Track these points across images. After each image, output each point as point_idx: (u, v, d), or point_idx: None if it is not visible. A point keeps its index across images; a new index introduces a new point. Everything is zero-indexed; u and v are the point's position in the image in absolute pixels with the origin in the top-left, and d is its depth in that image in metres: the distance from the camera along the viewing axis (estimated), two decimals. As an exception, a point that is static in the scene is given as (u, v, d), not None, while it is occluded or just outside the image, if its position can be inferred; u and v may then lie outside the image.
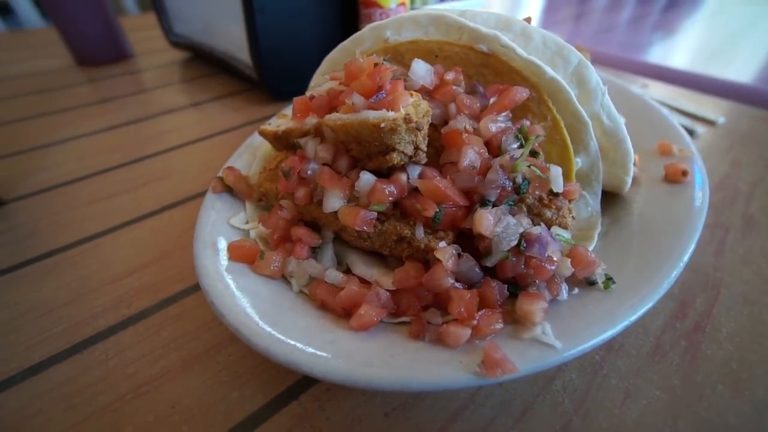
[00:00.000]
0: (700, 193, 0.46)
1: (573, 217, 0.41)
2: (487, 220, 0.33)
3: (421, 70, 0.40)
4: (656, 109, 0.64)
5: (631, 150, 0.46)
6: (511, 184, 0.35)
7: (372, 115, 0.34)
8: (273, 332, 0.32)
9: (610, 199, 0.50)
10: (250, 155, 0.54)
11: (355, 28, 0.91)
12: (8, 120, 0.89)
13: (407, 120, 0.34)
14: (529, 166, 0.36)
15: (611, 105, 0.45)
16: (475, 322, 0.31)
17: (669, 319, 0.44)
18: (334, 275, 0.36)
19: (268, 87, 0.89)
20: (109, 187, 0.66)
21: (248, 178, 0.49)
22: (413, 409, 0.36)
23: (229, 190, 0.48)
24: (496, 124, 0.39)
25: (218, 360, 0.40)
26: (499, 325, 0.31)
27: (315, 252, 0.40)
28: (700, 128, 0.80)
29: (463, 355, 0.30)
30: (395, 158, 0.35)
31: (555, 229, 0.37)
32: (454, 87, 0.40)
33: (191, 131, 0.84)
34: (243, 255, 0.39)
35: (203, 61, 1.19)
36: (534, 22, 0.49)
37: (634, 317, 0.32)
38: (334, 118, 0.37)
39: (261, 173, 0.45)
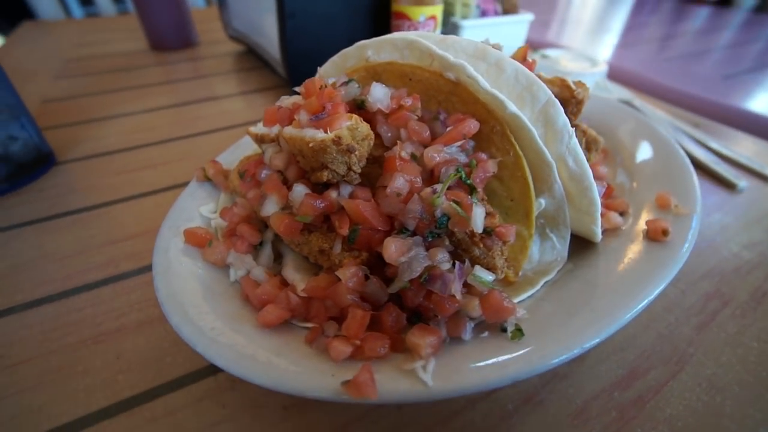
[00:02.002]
0: (676, 257, 0.42)
1: (505, 259, 0.41)
2: (390, 248, 0.34)
3: (379, 94, 0.42)
4: (676, 154, 0.59)
5: (597, 199, 0.44)
6: (428, 217, 0.36)
7: (308, 134, 0.37)
8: (188, 311, 0.36)
9: (584, 246, 0.48)
10: (242, 152, 0.60)
11: (384, 32, 0.94)
12: (83, 93, 1.06)
13: (336, 141, 0.36)
14: (455, 202, 0.36)
15: (579, 149, 0.43)
16: (358, 342, 0.33)
17: (609, 385, 0.41)
18: (258, 272, 0.40)
19: (294, 86, 0.95)
20: (138, 162, 0.76)
21: (228, 172, 0.54)
22: (312, 410, 0.38)
23: (210, 180, 0.53)
24: (440, 154, 0.40)
25: (166, 328, 0.45)
26: (383, 350, 0.33)
27: (257, 249, 0.44)
28: (745, 181, 0.71)
29: (339, 370, 0.32)
30: (326, 175, 0.38)
31: (477, 269, 0.37)
32: (410, 113, 0.42)
33: (235, 117, 0.93)
34: (196, 240, 0.44)
35: (254, 55, 1.30)
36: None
37: (523, 376, 0.31)
38: (288, 130, 0.41)
39: (234, 170, 0.50)
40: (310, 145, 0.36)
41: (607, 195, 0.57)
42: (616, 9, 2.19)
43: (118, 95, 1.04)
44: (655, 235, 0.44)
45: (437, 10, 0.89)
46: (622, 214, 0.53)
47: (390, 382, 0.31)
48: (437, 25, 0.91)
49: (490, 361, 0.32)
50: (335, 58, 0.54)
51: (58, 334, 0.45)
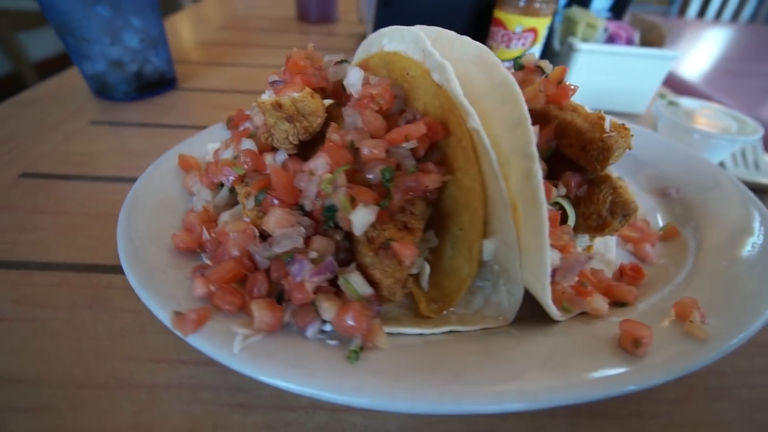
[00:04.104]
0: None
1: (401, 282, 0.36)
2: (272, 216, 0.34)
3: (353, 78, 0.42)
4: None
5: (547, 262, 0.35)
6: (320, 201, 0.35)
7: (262, 96, 0.39)
8: (137, 214, 0.44)
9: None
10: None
11: (484, 40, 0.89)
12: (227, 42, 1.30)
13: (275, 106, 0.37)
14: (351, 197, 0.34)
15: (541, 190, 0.35)
16: (213, 288, 0.35)
17: None
18: (203, 206, 0.45)
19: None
20: (233, 103, 0.91)
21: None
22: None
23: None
24: (376, 149, 0.37)
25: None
26: (229, 307, 0.34)
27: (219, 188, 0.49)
28: None
29: (189, 304, 0.35)
30: (266, 137, 0.40)
31: (353, 275, 0.35)
32: (373, 103, 0.40)
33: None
34: (184, 164, 0.52)
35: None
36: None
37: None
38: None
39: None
40: (254, 104, 0.38)
41: (629, 275, 0.45)
42: None
43: (249, 50, 1.25)
44: (625, 343, 0.34)
45: (540, 24, 0.79)
46: (622, 303, 0.42)
47: (215, 336, 0.32)
48: (537, 39, 0.82)
49: (284, 357, 0.31)
50: (364, 42, 0.55)
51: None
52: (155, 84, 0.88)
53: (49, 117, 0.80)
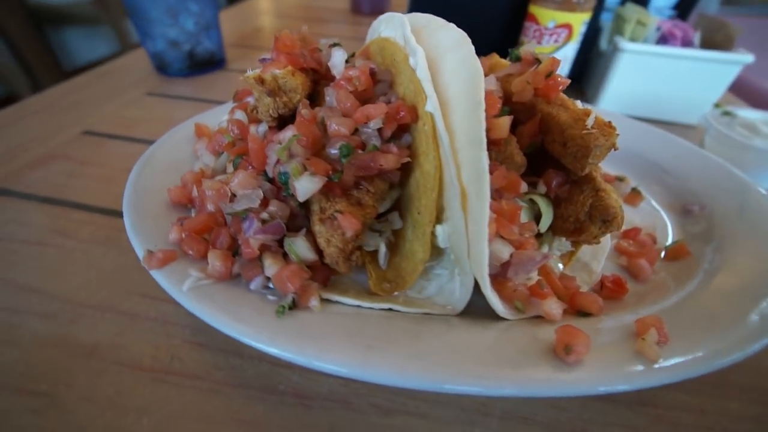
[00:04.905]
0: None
1: (345, 252, 0.38)
2: (235, 178, 0.38)
3: (335, 60, 0.44)
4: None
5: (485, 252, 0.34)
6: (278, 169, 0.37)
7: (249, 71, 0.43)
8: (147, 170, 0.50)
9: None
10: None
11: (517, 35, 0.86)
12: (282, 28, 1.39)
13: (258, 81, 0.41)
14: (304, 167, 0.36)
15: (486, 184, 0.34)
16: (184, 235, 0.40)
17: None
18: (201, 166, 0.51)
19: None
20: None
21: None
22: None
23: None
24: (342, 127, 0.39)
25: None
26: (191, 252, 0.39)
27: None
28: None
29: (162, 246, 0.40)
30: (251, 109, 0.44)
31: (297, 240, 0.37)
32: (348, 84, 0.42)
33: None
34: (199, 132, 0.58)
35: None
36: None
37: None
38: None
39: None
40: (241, 77, 0.42)
41: (609, 288, 0.42)
42: None
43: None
44: (558, 348, 0.32)
45: (575, 20, 0.74)
46: (585, 312, 0.39)
47: (173, 274, 0.37)
48: (572, 36, 0.77)
49: (222, 302, 0.34)
50: (370, 29, 0.56)
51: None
52: (205, 63, 0.98)
53: (115, 87, 0.93)
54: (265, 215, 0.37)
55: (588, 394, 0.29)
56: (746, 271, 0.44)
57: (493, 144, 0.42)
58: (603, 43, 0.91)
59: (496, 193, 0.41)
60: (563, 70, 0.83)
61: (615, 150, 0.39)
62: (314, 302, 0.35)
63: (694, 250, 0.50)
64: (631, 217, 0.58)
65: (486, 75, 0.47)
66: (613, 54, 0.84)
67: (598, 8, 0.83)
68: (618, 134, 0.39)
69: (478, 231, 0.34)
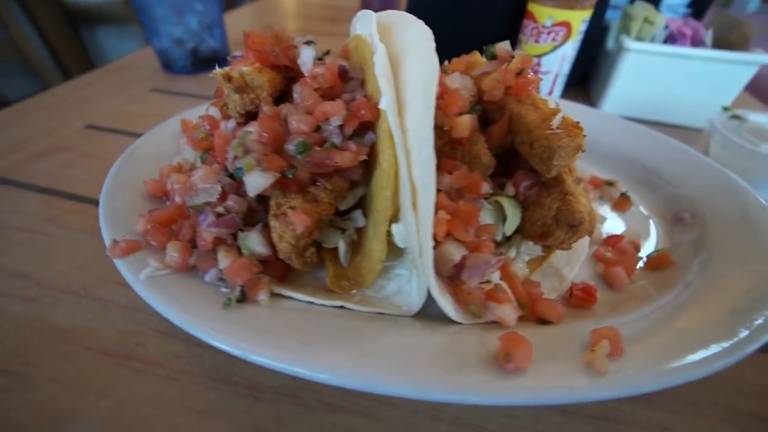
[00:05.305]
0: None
1: (296, 248, 0.38)
2: (197, 173, 0.39)
3: (304, 57, 0.44)
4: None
5: (429, 252, 0.34)
6: (236, 165, 0.38)
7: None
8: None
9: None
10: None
11: (516, 33, 0.84)
12: (291, 28, 1.41)
13: (225, 77, 0.42)
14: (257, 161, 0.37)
15: (432, 177, 0.34)
16: (149, 226, 0.41)
17: None
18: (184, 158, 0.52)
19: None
20: None
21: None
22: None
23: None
24: (302, 124, 0.40)
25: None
26: (153, 242, 0.40)
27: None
28: None
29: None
30: (222, 106, 0.45)
31: (250, 234, 0.38)
32: (313, 81, 0.42)
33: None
34: (186, 126, 0.59)
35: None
36: None
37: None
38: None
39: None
40: (210, 75, 0.43)
41: (578, 296, 0.41)
42: None
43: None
44: (498, 355, 0.32)
45: (574, 17, 0.71)
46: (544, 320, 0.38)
47: (133, 264, 0.38)
48: (571, 35, 0.74)
49: (174, 292, 0.35)
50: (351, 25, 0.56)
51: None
52: (209, 60, 1.00)
53: (121, 83, 0.97)
54: (220, 209, 0.37)
55: (525, 404, 0.28)
56: (730, 285, 0.41)
57: (457, 143, 0.42)
58: (610, 43, 0.88)
59: (457, 194, 0.40)
60: (563, 69, 0.80)
61: (582, 152, 0.38)
62: (263, 296, 0.36)
63: (680, 260, 0.48)
64: (618, 223, 0.56)
65: (464, 72, 0.47)
66: (618, 54, 0.80)
67: (603, 6, 0.80)
68: (585, 135, 0.37)
69: (423, 231, 0.33)
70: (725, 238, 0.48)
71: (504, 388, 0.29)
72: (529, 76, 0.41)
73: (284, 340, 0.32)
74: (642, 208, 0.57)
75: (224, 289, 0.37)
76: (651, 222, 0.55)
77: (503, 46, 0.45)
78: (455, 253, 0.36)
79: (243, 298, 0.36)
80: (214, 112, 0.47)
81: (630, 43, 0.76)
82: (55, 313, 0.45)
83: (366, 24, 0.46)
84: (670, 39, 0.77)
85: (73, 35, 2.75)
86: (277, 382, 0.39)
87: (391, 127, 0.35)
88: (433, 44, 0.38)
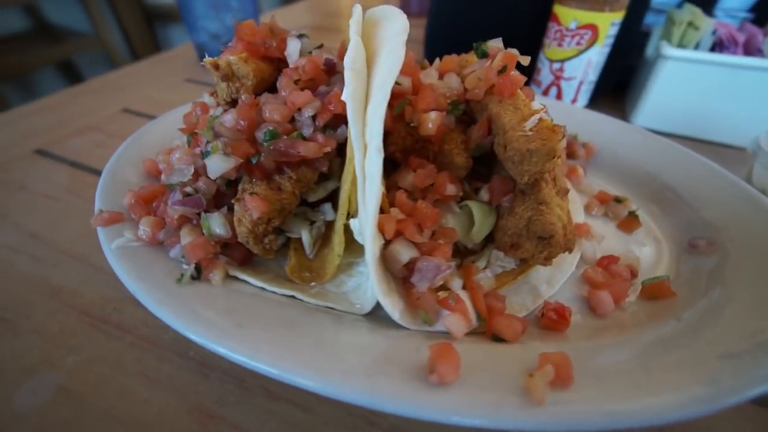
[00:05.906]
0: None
1: (254, 234, 0.38)
2: (174, 154, 0.41)
3: (290, 49, 0.45)
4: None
5: (370, 249, 0.33)
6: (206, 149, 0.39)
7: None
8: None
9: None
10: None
11: (541, 36, 0.80)
12: (330, 27, 1.45)
13: (213, 65, 0.44)
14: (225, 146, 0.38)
15: (377, 167, 0.32)
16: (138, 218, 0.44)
17: None
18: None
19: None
20: None
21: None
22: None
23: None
24: (276, 113, 0.40)
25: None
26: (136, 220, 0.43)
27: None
28: None
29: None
30: (212, 93, 0.47)
31: (213, 217, 0.39)
32: (294, 73, 0.43)
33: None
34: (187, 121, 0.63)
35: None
36: None
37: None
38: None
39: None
40: (200, 64, 0.45)
41: (548, 318, 0.38)
42: None
43: (343, 35, 1.37)
44: (427, 366, 0.30)
45: (602, 20, 0.66)
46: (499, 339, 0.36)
47: (110, 233, 0.41)
48: (598, 39, 0.68)
49: (137, 263, 0.37)
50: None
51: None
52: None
53: (160, 73, 1.05)
54: (189, 189, 0.39)
55: (439, 420, 0.26)
56: (731, 325, 0.36)
57: (427, 141, 0.40)
58: (650, 50, 0.80)
59: (421, 193, 0.38)
60: (588, 76, 0.74)
61: (557, 157, 0.35)
62: (214, 276, 0.37)
63: (684, 292, 0.42)
64: (619, 244, 0.51)
65: (455, 72, 0.45)
66: (655, 61, 0.73)
67: (640, 9, 0.73)
68: (560, 139, 0.34)
69: (366, 225, 0.32)
70: (745, 274, 0.42)
71: (416, 399, 0.27)
72: (512, 74, 0.39)
73: (219, 319, 0.32)
74: (654, 229, 0.51)
75: (185, 266, 0.39)
76: (659, 246, 0.49)
77: (494, 44, 0.43)
78: (403, 253, 0.34)
79: (198, 276, 0.37)
80: (207, 99, 0.50)
81: (669, 50, 0.69)
82: (54, 273, 0.49)
83: (353, 18, 0.46)
84: (718, 46, 0.69)
85: (149, 31, 3.04)
86: (227, 364, 0.40)
87: (349, 119, 0.35)
88: (404, 38, 0.37)
